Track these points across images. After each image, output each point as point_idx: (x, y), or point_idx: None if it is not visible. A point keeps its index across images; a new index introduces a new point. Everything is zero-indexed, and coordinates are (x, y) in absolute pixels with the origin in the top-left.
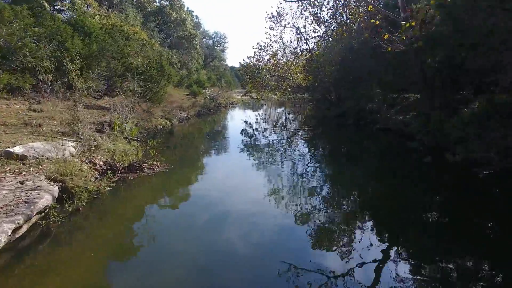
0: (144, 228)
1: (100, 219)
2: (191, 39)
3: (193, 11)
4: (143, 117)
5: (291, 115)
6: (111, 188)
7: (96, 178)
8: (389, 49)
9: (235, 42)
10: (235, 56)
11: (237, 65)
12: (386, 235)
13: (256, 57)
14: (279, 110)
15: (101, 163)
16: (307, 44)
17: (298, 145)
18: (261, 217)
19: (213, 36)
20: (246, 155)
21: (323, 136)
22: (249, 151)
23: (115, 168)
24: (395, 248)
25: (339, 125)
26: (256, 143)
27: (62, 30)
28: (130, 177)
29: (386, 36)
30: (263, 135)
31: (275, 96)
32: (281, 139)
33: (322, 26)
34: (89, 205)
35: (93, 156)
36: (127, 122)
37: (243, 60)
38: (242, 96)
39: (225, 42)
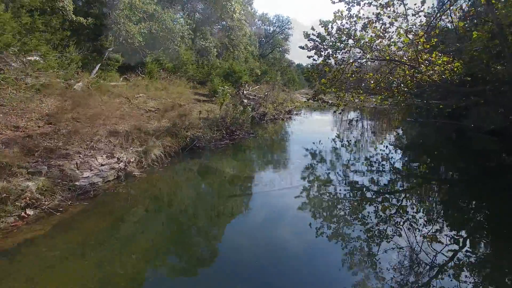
0: None
1: None
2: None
3: None
4: None
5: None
6: None
7: None
8: None
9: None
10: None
11: (304, 63)
12: None
13: (339, 23)
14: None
15: None
16: None
17: None
18: None
19: (273, 21)
20: None
21: None
22: None
23: None
24: None
25: None
26: None
27: None
28: None
29: None
30: None
31: (370, 103)
32: None
33: None
34: None
35: None
36: None
37: (312, 30)
38: (309, 99)
39: (289, 28)
